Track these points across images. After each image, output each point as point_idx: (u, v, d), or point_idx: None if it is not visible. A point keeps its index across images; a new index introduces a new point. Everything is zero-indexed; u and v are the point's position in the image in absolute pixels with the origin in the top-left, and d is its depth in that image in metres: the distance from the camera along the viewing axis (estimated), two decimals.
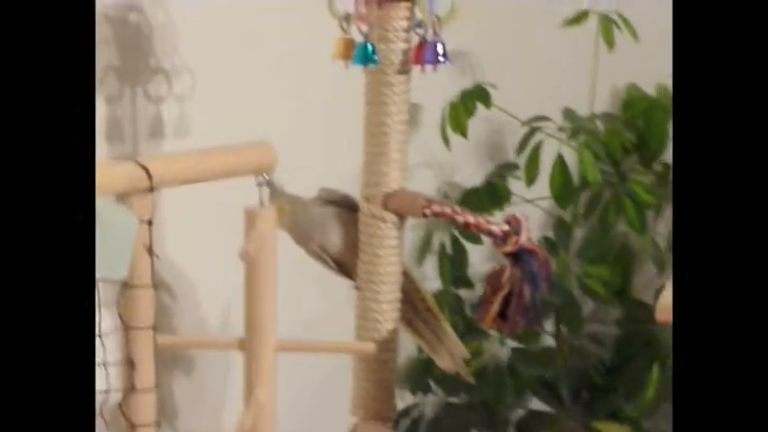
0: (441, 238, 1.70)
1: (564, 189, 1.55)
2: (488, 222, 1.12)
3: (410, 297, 1.24)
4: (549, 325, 1.69)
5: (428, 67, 1.15)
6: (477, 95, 1.66)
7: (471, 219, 1.12)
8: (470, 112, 1.65)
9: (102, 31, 1.31)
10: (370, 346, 1.08)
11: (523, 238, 1.10)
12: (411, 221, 1.80)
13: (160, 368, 1.46)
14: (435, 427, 1.72)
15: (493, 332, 1.67)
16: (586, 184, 1.59)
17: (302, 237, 1.21)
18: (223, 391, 1.55)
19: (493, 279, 1.13)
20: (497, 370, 1.65)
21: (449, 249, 1.67)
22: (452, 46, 1.80)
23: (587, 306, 1.94)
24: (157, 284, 1.19)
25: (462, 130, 1.66)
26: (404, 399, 1.86)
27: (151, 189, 0.95)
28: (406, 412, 1.76)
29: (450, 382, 1.73)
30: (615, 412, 1.64)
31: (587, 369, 1.68)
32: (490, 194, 1.71)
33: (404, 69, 1.14)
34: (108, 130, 1.33)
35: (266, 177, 1.04)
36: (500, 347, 1.67)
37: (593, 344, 1.75)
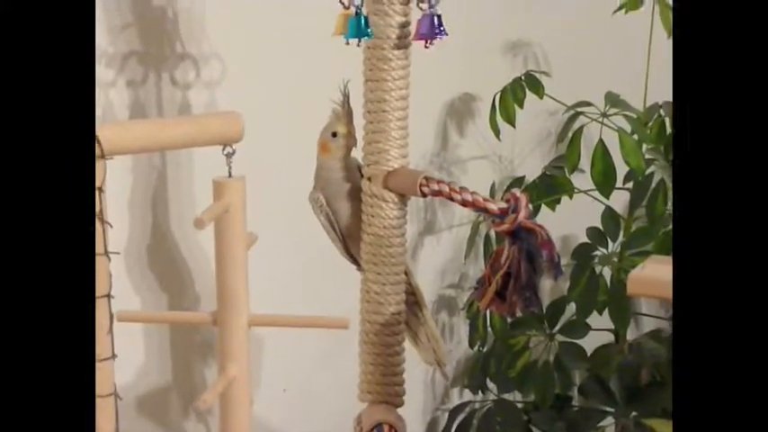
0: (486, 230, 1.66)
1: (605, 176, 1.49)
2: (485, 200, 1.08)
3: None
4: (604, 322, 1.63)
5: (435, 41, 1.11)
6: (529, 84, 1.62)
7: (469, 197, 1.09)
8: (520, 101, 1.61)
9: (124, 16, 1.32)
10: (345, 322, 1.05)
11: (521, 216, 1.06)
12: (459, 215, 1.79)
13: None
14: (488, 422, 1.68)
15: (540, 328, 1.64)
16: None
17: (326, 190, 1.18)
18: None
19: (493, 259, 1.09)
20: (545, 366, 1.61)
21: (494, 241, 1.64)
22: (515, 35, 1.81)
23: (652, 302, 1.88)
24: None
25: (510, 120, 1.62)
26: (463, 397, 1.84)
27: (101, 156, 0.94)
28: (460, 408, 1.74)
29: (503, 380, 1.70)
30: (669, 410, 1.58)
31: (641, 366, 1.62)
32: (547, 187, 1.67)
33: (402, 44, 1.11)
34: (132, 115, 1.34)
35: (233, 148, 1.02)
36: (549, 342, 1.63)
37: (653, 340, 1.69)
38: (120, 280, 1.32)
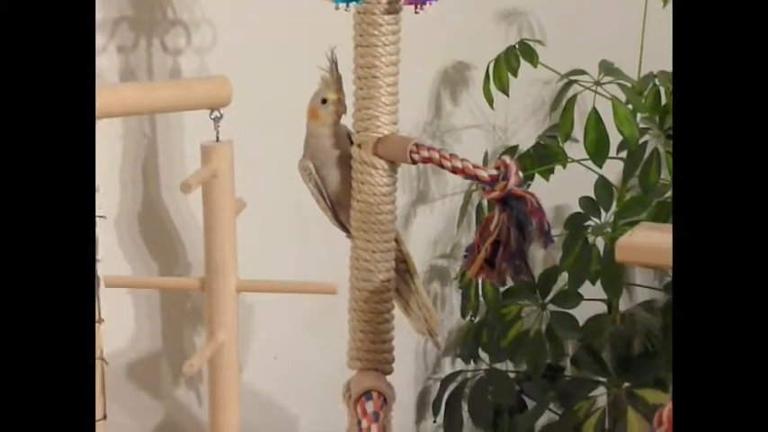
0: (479, 199, 1.66)
1: (598, 145, 1.48)
2: (475, 167, 1.07)
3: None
4: (596, 292, 1.63)
5: (425, 6, 1.10)
6: (523, 52, 1.61)
7: (459, 164, 1.08)
8: (514, 70, 1.60)
9: None
10: (333, 287, 1.04)
11: (511, 183, 1.05)
12: (452, 184, 1.78)
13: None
14: (480, 391, 1.68)
15: (532, 298, 1.64)
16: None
17: (315, 157, 1.17)
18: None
19: (482, 227, 1.09)
20: (537, 335, 1.60)
21: (486, 210, 1.63)
22: (510, 3, 1.80)
23: (645, 273, 1.88)
24: None
25: (504, 89, 1.61)
26: (455, 366, 1.84)
27: None
28: (451, 377, 1.74)
29: (495, 349, 1.70)
30: (661, 380, 1.58)
31: (633, 336, 1.62)
32: (541, 156, 1.66)
33: (392, 9, 1.10)
34: (122, 80, 1.33)
35: (220, 113, 1.02)
36: (541, 312, 1.62)
37: (645, 311, 1.69)
38: (110, 247, 1.32)
